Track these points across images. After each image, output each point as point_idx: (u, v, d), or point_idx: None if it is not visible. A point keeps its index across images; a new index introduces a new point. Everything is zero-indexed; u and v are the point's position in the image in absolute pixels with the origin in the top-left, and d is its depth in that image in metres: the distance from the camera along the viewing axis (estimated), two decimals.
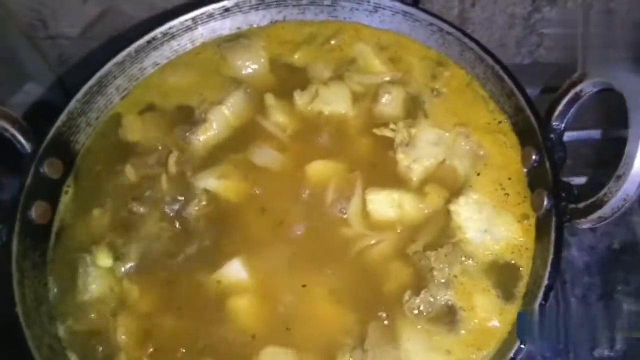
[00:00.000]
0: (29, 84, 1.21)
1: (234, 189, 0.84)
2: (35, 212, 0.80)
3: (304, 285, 0.77)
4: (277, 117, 0.88)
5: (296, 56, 0.95)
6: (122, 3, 1.10)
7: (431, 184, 0.82)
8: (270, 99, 0.89)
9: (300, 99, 0.89)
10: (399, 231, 0.79)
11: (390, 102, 0.88)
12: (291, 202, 0.83)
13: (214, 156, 0.86)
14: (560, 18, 1.10)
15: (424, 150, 0.83)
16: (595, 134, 1.01)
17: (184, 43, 0.96)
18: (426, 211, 0.80)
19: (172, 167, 0.84)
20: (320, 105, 0.89)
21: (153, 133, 0.89)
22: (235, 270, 0.78)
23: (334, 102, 0.89)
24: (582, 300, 0.94)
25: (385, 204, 0.80)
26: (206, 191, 0.83)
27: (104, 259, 0.79)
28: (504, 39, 1.16)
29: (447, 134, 0.84)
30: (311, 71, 0.93)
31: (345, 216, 0.80)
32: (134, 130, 0.90)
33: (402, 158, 0.83)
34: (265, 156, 0.86)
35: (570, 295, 0.94)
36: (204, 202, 0.82)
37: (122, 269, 0.79)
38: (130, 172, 0.85)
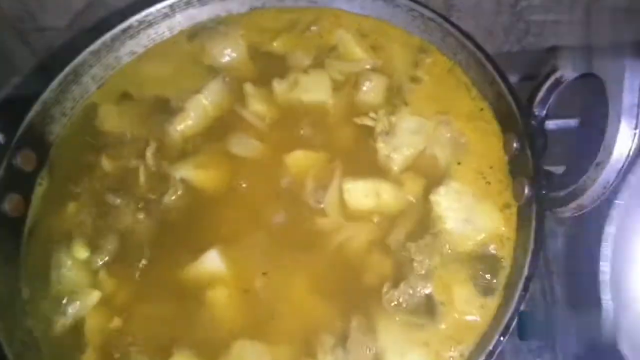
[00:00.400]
0: (17, 77, 1.20)
1: (212, 179, 0.83)
2: (8, 205, 0.79)
3: (278, 276, 0.76)
4: (256, 106, 0.87)
5: (275, 44, 0.93)
6: None
7: (411, 173, 0.80)
8: (249, 88, 0.87)
9: (280, 87, 0.87)
10: (376, 221, 0.78)
11: (370, 90, 0.86)
12: (270, 192, 0.81)
13: (192, 146, 0.85)
14: (546, 4, 1.08)
15: (404, 138, 0.81)
16: (573, 122, 0.99)
17: (162, 31, 0.94)
18: (404, 201, 0.78)
19: (150, 159, 0.83)
20: (300, 93, 0.87)
21: (129, 123, 0.87)
22: (212, 261, 0.76)
23: (314, 90, 0.87)
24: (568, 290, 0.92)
25: (362, 193, 0.78)
26: (183, 181, 0.81)
27: (80, 251, 0.77)
28: (492, 27, 1.14)
29: (427, 122, 0.82)
30: (291, 59, 0.91)
31: (322, 206, 0.79)
32: (110, 120, 0.88)
33: (382, 147, 0.81)
34: (243, 146, 0.84)
35: (557, 285, 0.92)
36: (181, 192, 0.81)
37: (98, 261, 0.77)
38: (105, 164, 0.83)
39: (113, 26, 0.91)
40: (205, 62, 0.92)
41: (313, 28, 0.93)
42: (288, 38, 0.93)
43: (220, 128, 0.86)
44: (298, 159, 0.83)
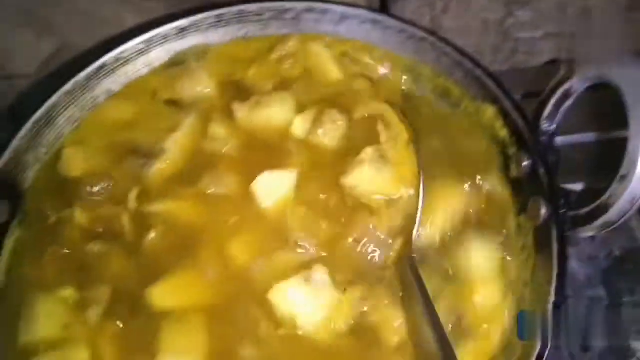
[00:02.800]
0: None
1: (191, 217, 0.77)
2: None
3: None
4: (221, 134, 0.83)
5: (248, 73, 0.89)
6: (76, 37, 1.04)
7: None
8: (216, 119, 0.84)
9: (240, 111, 0.83)
10: None
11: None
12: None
13: (169, 186, 0.79)
14: (534, 21, 1.06)
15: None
16: (586, 137, 0.95)
17: (138, 67, 0.89)
18: None
19: (133, 203, 0.78)
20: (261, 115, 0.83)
21: (98, 167, 0.82)
22: None
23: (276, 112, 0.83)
24: (587, 316, 0.87)
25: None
26: (163, 221, 0.76)
27: (61, 301, 0.72)
28: (480, 46, 1.11)
29: None
30: (258, 86, 0.87)
31: None
32: (76, 165, 0.82)
33: None
34: (219, 183, 0.79)
35: (573, 311, 0.87)
36: (163, 232, 0.76)
37: (93, 312, 0.71)
38: (80, 215, 0.77)
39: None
40: (175, 99, 0.87)
41: (285, 54, 0.90)
42: (260, 67, 0.89)
43: (196, 166, 0.81)
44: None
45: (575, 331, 0.83)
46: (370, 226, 0.75)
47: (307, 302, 0.69)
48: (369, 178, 0.76)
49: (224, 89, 0.87)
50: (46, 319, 0.70)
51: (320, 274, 0.71)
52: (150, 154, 0.81)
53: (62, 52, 1.10)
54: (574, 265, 0.90)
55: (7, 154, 0.78)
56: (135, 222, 0.77)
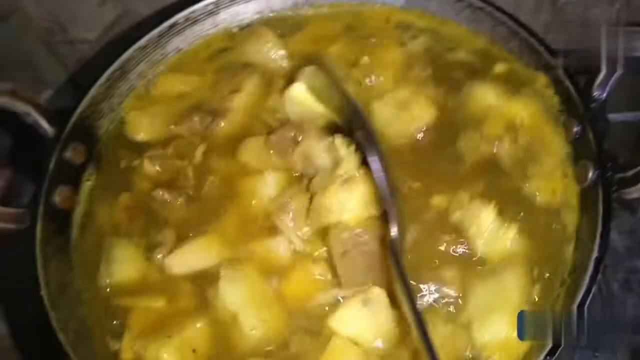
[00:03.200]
0: (48, 91, 1.19)
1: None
2: (59, 197, 0.79)
3: None
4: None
5: (328, 50, 0.91)
6: (137, 6, 1.09)
7: None
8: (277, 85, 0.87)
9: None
10: None
11: None
12: None
13: (232, 143, 0.83)
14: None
15: None
16: (633, 116, 0.97)
17: (207, 28, 0.94)
18: None
19: (199, 158, 0.82)
20: None
21: (162, 125, 0.86)
22: None
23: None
24: (624, 285, 0.90)
25: None
26: (222, 173, 0.81)
27: (136, 246, 0.77)
28: (531, 23, 1.13)
29: None
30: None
31: None
32: (141, 126, 0.87)
33: None
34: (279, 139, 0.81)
35: (612, 280, 0.90)
36: (220, 182, 0.80)
37: (159, 255, 0.75)
38: (149, 167, 0.82)
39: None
40: (242, 61, 0.91)
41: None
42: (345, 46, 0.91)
43: (259, 124, 0.85)
44: None
45: None
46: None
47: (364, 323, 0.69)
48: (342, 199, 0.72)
49: (294, 58, 0.90)
50: (125, 264, 0.75)
51: (377, 294, 0.69)
52: (215, 112, 0.85)
53: (123, 19, 1.15)
54: (614, 237, 0.93)
55: (85, 101, 0.84)
56: (197, 172, 0.81)
